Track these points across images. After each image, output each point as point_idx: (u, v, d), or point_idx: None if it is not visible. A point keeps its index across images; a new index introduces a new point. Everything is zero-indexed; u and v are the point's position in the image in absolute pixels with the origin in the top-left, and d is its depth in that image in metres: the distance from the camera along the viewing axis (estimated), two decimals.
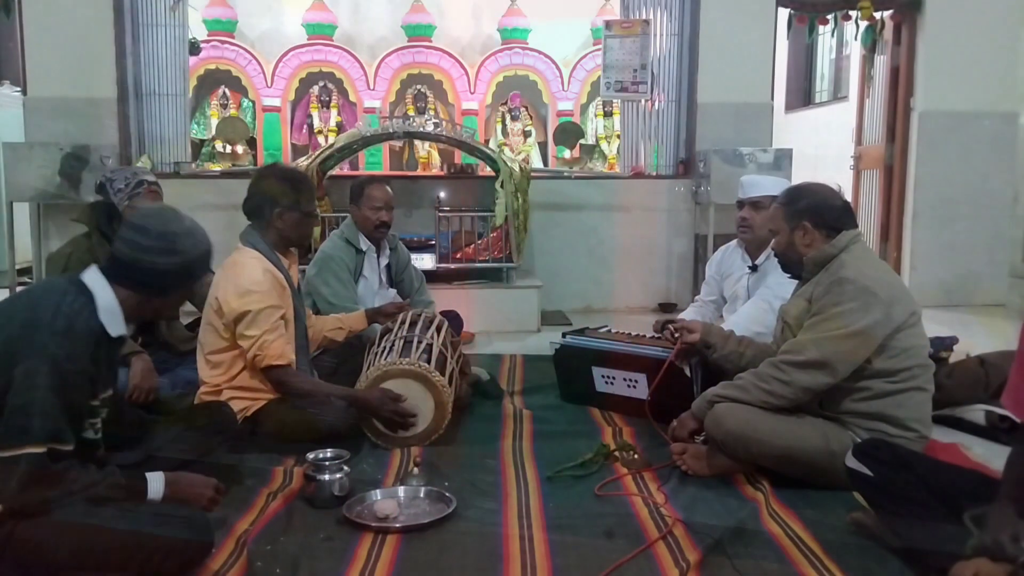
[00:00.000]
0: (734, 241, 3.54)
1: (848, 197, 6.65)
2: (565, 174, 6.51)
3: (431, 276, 4.64)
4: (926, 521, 1.91)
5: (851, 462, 2.11)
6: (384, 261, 3.93)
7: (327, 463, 2.36)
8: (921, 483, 1.96)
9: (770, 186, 3.29)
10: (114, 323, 1.87)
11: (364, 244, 3.80)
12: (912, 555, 1.96)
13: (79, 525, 1.73)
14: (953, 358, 3.49)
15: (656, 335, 3.34)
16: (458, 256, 5.21)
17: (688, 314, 3.47)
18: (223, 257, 2.96)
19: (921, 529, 1.92)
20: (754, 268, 3.36)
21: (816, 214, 2.52)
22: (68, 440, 1.75)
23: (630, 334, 3.40)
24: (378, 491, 2.39)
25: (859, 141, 6.91)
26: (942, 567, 1.77)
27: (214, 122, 7.62)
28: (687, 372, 2.96)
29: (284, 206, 2.83)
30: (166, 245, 1.92)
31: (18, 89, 6.14)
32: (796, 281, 2.71)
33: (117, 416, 2.11)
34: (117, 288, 1.89)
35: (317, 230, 4.73)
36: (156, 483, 1.91)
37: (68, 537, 1.72)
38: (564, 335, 3.49)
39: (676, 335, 2.90)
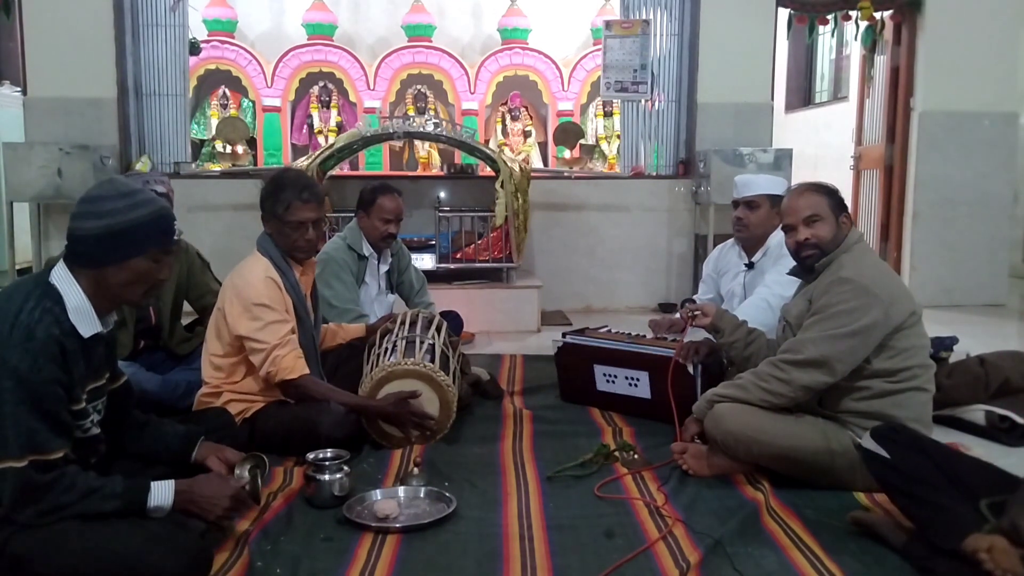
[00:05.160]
0: (731, 240, 3.54)
1: (848, 197, 6.68)
2: (565, 174, 6.51)
3: (431, 276, 4.64)
4: (938, 502, 1.92)
5: (868, 443, 2.11)
6: (384, 267, 3.92)
7: (327, 463, 2.36)
8: (936, 468, 1.98)
9: (765, 185, 3.29)
10: (85, 322, 1.80)
11: (367, 250, 3.79)
12: (921, 535, 1.97)
13: (73, 541, 1.68)
14: (953, 358, 3.48)
15: (658, 335, 3.35)
16: (458, 256, 5.21)
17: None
18: (226, 259, 2.95)
19: (933, 509, 1.92)
20: (750, 266, 3.36)
21: (845, 207, 2.60)
22: (52, 448, 1.70)
23: (630, 334, 3.41)
24: (378, 491, 2.39)
25: (859, 141, 6.91)
26: (952, 547, 1.79)
27: (214, 122, 7.62)
28: (690, 370, 2.96)
29: (264, 212, 2.78)
30: (89, 208, 1.81)
31: (18, 89, 6.14)
32: (792, 278, 2.73)
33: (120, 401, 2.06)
34: (79, 277, 1.81)
35: None
36: (163, 492, 1.84)
37: (61, 553, 1.67)
38: (564, 335, 3.49)
39: (691, 315, 2.87)
